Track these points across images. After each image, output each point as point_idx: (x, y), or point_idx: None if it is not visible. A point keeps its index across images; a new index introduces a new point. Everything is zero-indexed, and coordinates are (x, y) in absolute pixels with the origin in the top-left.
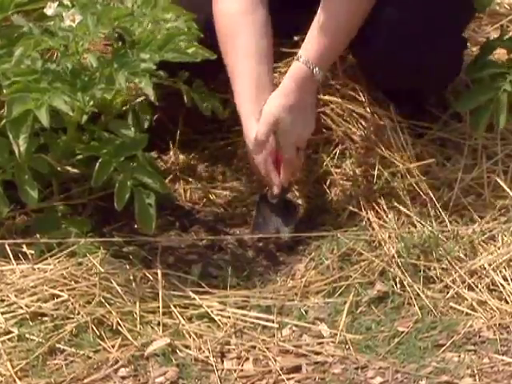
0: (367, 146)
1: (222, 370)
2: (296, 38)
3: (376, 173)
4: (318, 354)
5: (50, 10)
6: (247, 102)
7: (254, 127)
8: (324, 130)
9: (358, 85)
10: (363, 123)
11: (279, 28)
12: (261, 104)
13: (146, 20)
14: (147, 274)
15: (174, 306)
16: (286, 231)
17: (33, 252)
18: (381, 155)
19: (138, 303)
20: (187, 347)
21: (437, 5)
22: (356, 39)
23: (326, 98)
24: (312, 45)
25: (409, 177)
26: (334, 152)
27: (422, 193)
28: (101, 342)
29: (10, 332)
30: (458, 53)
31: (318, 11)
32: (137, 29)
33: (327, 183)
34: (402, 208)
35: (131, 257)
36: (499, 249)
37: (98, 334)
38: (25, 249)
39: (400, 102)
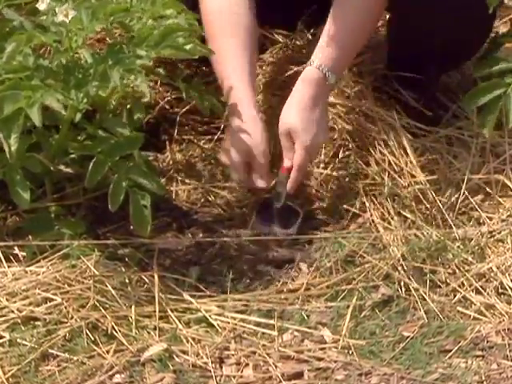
0: (371, 146)
1: (221, 376)
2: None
3: (380, 173)
4: (320, 359)
5: (42, 5)
6: (242, 84)
7: (245, 113)
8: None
9: (362, 85)
10: (367, 123)
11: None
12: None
13: (145, 16)
14: (143, 277)
15: (171, 310)
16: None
17: (25, 254)
18: (385, 155)
19: (133, 307)
20: (185, 353)
21: None
22: None
23: (330, 99)
24: (324, 51)
25: (415, 176)
26: (337, 153)
27: (428, 193)
28: (95, 348)
29: (1, 337)
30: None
31: (329, 18)
32: (136, 25)
33: (330, 184)
34: (407, 209)
35: (127, 259)
36: (508, 251)
37: (92, 338)
38: (16, 251)
39: (415, 84)
